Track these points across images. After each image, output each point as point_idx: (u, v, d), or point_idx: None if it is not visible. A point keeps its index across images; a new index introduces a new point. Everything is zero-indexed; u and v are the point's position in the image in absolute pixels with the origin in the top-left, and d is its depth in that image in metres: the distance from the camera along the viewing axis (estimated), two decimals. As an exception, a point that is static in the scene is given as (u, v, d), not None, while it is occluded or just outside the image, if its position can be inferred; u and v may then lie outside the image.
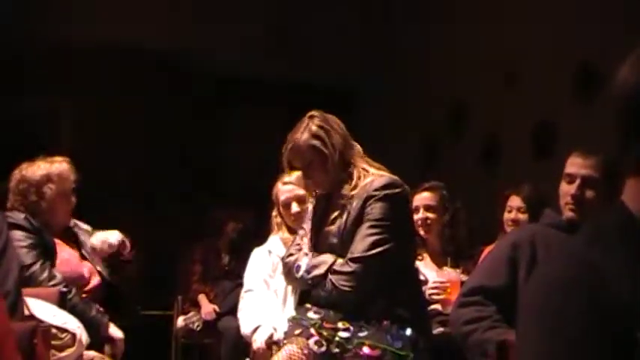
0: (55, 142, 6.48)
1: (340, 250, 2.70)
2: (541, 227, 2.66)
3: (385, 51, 7.11)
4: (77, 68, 6.43)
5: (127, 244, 3.53)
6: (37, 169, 3.27)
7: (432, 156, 6.59)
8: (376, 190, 2.65)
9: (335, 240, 2.72)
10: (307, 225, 2.88)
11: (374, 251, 2.61)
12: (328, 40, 7.05)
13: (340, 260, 2.66)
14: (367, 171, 2.74)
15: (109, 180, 6.38)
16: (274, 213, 3.34)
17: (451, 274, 3.28)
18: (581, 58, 5.02)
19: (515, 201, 3.78)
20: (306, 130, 2.74)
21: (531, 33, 5.46)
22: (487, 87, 5.88)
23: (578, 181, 2.53)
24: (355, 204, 2.67)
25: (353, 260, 2.62)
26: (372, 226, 2.63)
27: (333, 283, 2.64)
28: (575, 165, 2.57)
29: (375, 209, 2.64)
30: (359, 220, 2.66)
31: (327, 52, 7.02)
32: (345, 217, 2.70)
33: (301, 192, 3.22)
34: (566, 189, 2.57)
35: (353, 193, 2.69)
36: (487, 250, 3.36)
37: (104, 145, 6.56)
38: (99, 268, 3.47)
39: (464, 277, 3.23)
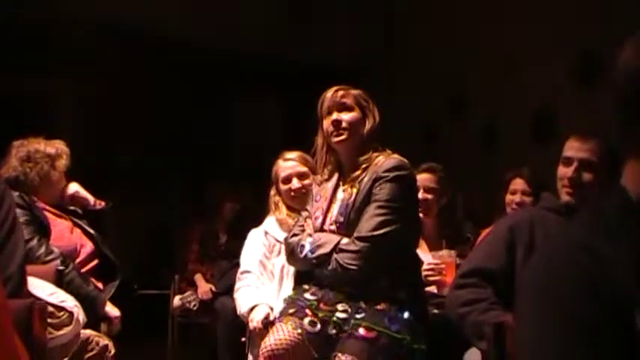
0: (55, 123, 6.48)
1: (345, 228, 2.71)
2: (539, 210, 2.66)
3: (386, 34, 7.09)
4: (77, 49, 6.40)
5: (83, 196, 3.60)
6: (50, 144, 3.41)
7: (431, 139, 6.59)
8: (386, 171, 2.67)
9: (341, 218, 2.72)
10: (311, 207, 2.88)
11: (381, 231, 2.62)
12: (329, 21, 7.02)
13: (346, 239, 2.67)
14: (379, 150, 2.77)
15: (107, 160, 6.38)
16: (272, 192, 3.34)
17: (446, 256, 3.27)
18: (581, 44, 5.01)
19: (519, 184, 3.72)
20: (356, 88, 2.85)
21: (532, 19, 5.44)
22: (487, 72, 5.87)
23: (575, 164, 2.54)
24: (365, 183, 2.69)
25: (360, 239, 2.63)
26: (379, 207, 2.64)
27: (338, 262, 2.64)
28: (573, 148, 2.57)
29: (384, 190, 2.65)
30: (367, 199, 2.67)
31: (328, 34, 7.00)
32: (353, 195, 2.70)
33: (302, 168, 3.23)
34: (564, 172, 2.57)
35: (365, 165, 2.72)
36: (484, 232, 3.36)
37: (104, 125, 6.56)
38: (90, 231, 3.49)
39: (458, 260, 3.23)
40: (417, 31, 6.79)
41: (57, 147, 3.42)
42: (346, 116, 2.78)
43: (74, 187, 3.59)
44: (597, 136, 2.57)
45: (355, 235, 2.66)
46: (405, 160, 2.76)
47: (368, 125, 2.79)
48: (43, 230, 3.25)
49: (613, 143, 2.49)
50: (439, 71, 6.38)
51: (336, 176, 2.87)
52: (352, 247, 2.64)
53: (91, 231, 3.48)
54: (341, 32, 7.12)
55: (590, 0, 4.91)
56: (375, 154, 2.75)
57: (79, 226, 3.48)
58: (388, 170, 2.67)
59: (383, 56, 7.05)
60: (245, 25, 6.85)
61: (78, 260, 3.36)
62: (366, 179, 2.70)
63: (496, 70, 5.76)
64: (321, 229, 2.79)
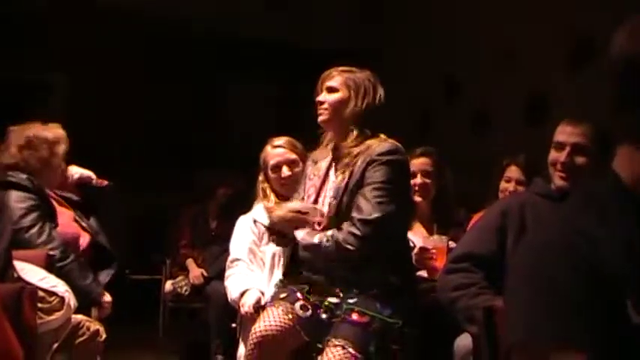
0: (52, 110, 6.44)
1: (336, 210, 2.70)
2: (530, 195, 2.67)
3: (384, 20, 7.06)
4: (76, 34, 6.37)
5: (87, 175, 3.66)
6: (47, 129, 3.38)
7: (425, 124, 6.59)
8: (379, 154, 2.67)
9: (334, 201, 2.72)
10: (303, 185, 2.89)
11: (380, 214, 2.61)
12: (328, 4, 6.99)
13: (346, 223, 2.66)
14: (372, 134, 2.76)
15: (103, 144, 6.35)
16: (260, 178, 3.30)
17: (437, 240, 3.27)
18: (575, 29, 5.00)
19: (514, 172, 3.65)
20: (358, 70, 2.85)
21: (526, 5, 5.43)
22: (481, 57, 5.86)
23: (567, 149, 2.54)
24: (358, 166, 2.68)
25: (361, 222, 2.62)
26: (376, 189, 2.63)
27: (338, 241, 2.63)
28: (565, 133, 2.57)
29: (378, 172, 2.65)
30: (360, 183, 2.67)
31: (326, 17, 6.97)
32: (346, 178, 2.70)
33: (292, 156, 3.21)
34: (556, 157, 2.58)
35: (357, 150, 2.70)
36: (476, 217, 3.35)
37: (100, 110, 6.52)
38: (85, 225, 3.49)
39: (451, 244, 3.23)
40: (413, 18, 6.77)
41: (55, 132, 3.39)
42: (330, 97, 2.80)
43: (76, 170, 3.61)
44: (589, 120, 2.57)
45: (357, 217, 2.63)
46: (399, 145, 2.75)
47: (349, 107, 2.78)
48: (49, 216, 3.23)
49: (605, 127, 2.50)
50: (433, 56, 6.37)
51: (330, 157, 2.87)
52: (353, 230, 2.62)
53: (84, 224, 3.47)
54: (338, 18, 7.09)
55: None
56: (368, 140, 2.74)
57: (77, 219, 3.48)
58: (382, 154, 2.67)
59: (378, 41, 7.03)
60: (243, 9, 6.82)
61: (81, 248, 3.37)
62: (359, 162, 2.69)
63: (490, 55, 5.76)
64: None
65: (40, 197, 3.21)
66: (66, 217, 3.39)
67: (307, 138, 3.17)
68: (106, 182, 3.70)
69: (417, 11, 6.74)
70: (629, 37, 1.00)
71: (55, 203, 3.35)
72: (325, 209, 2.78)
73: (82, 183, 3.63)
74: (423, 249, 3.21)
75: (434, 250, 3.22)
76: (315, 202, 2.81)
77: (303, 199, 2.90)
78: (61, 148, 3.39)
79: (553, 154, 2.59)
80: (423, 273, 3.22)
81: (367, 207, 2.63)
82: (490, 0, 5.79)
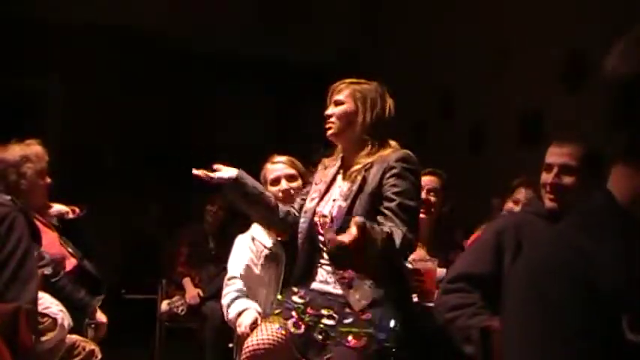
0: (44, 122, 6.45)
1: (345, 214, 2.65)
2: (526, 215, 2.68)
3: (375, 35, 7.10)
4: (71, 47, 6.39)
5: (60, 211, 3.60)
6: (14, 151, 3.29)
7: (419, 142, 6.60)
8: (397, 160, 2.65)
9: (343, 203, 2.69)
10: (309, 188, 2.90)
11: (415, 236, 2.58)
12: (321, 20, 7.03)
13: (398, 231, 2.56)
14: (385, 143, 2.75)
15: (96, 162, 6.35)
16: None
17: (426, 263, 3.24)
18: (570, 47, 5.03)
19: (522, 194, 3.59)
20: (366, 82, 2.83)
21: (520, 21, 5.46)
22: (476, 74, 5.88)
23: (555, 170, 2.56)
24: (373, 173, 2.66)
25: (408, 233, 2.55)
26: (402, 207, 2.58)
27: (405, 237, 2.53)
28: (553, 154, 2.60)
29: (400, 182, 2.61)
30: (378, 189, 2.63)
31: (320, 32, 7.01)
32: (358, 182, 2.68)
33: (290, 170, 3.22)
34: (545, 178, 2.60)
35: (370, 160, 2.69)
36: (474, 237, 3.34)
37: (93, 125, 6.53)
38: (71, 251, 3.47)
39: (440, 268, 3.21)
40: (405, 33, 6.80)
41: (22, 152, 3.30)
42: (337, 110, 2.79)
43: (53, 210, 3.57)
44: (576, 139, 2.59)
45: (404, 229, 2.54)
46: (411, 153, 2.73)
47: (358, 120, 2.77)
48: (35, 236, 3.20)
49: (596, 146, 2.52)
50: (427, 73, 6.39)
51: (337, 164, 2.87)
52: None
53: (69, 249, 3.45)
54: (331, 32, 7.12)
55: (578, 2, 4.94)
56: (381, 149, 2.73)
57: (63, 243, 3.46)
58: (398, 160, 2.65)
59: (370, 57, 7.06)
60: (237, 24, 6.86)
61: (66, 270, 3.34)
62: (374, 170, 2.67)
63: (484, 73, 5.78)
64: (314, 210, 2.79)
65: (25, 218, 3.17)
66: (50, 237, 3.35)
67: (298, 153, 3.18)
68: (78, 210, 3.64)
69: (406, 28, 6.77)
70: (621, 57, 1.01)
71: (39, 224, 3.31)
72: (326, 211, 2.76)
73: (59, 218, 3.60)
74: (412, 271, 3.18)
75: (422, 272, 3.19)
76: (317, 205, 2.80)
77: (304, 199, 2.90)
78: (29, 168, 3.28)
79: (543, 176, 2.61)
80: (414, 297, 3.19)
81: (404, 227, 2.54)
82: (486, 17, 5.83)
